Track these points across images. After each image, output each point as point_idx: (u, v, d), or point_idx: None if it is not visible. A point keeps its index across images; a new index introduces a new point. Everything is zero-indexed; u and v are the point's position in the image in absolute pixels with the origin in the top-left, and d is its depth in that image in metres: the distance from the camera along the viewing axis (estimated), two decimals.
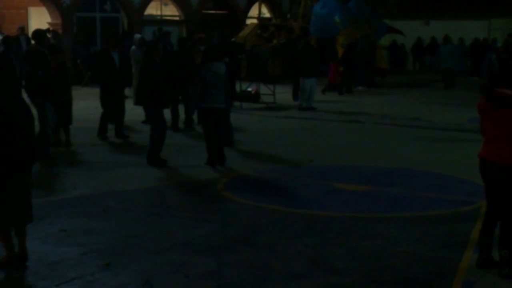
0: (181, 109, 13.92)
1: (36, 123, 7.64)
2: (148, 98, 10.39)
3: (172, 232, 7.05)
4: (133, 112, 13.99)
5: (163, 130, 10.53)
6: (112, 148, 12.07)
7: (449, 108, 17.75)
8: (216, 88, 10.05)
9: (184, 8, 28.09)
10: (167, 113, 11.39)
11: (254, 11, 30.27)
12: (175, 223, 7.42)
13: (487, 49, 25.16)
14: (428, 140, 12.97)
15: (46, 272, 5.88)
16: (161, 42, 15.52)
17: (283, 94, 19.56)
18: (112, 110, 12.64)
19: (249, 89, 19.07)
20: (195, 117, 13.12)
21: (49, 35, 18.24)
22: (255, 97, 18.82)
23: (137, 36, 16.83)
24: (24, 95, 10.56)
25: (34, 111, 7.35)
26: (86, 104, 17.20)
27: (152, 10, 28.15)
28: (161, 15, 29.07)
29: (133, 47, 16.10)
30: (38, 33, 11.26)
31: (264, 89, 19.04)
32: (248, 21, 29.96)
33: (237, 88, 17.96)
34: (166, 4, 28.93)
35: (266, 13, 31.83)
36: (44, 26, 21.42)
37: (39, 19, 25.23)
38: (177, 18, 28.72)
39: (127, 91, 15.08)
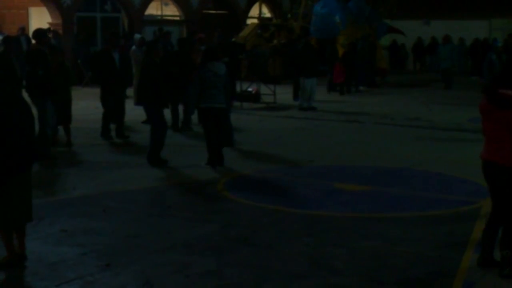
0: (181, 109, 13.92)
1: (36, 123, 7.63)
2: (148, 98, 10.39)
3: (172, 232, 7.05)
4: (134, 112, 13.99)
5: (163, 130, 10.53)
6: (112, 148, 12.07)
7: (449, 108, 17.74)
8: (215, 88, 10.05)
9: (184, 8, 28.09)
10: (167, 113, 11.39)
11: (254, 11, 30.28)
12: (175, 223, 7.42)
13: (488, 49, 25.13)
14: (428, 140, 12.97)
15: (46, 272, 5.88)
16: (161, 42, 15.50)
17: (284, 94, 19.55)
18: (113, 109, 12.64)
19: (250, 89, 19.07)
20: (195, 117, 13.13)
21: (49, 35, 18.24)
22: (255, 97, 18.82)
23: (137, 36, 16.82)
24: (25, 95, 10.61)
25: (34, 111, 7.37)
26: (86, 104, 17.22)
27: (152, 10, 28.16)
28: (161, 15, 29.08)
29: (133, 47, 16.10)
30: (39, 32, 11.26)
31: (264, 89, 19.03)
32: (249, 21, 29.97)
33: (238, 88, 17.96)
34: (166, 4, 28.94)
35: (266, 13, 31.84)
36: (44, 26, 21.38)
37: (40, 19, 25.24)
38: (178, 18, 28.72)
39: (128, 91, 15.09)
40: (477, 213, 7.77)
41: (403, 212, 7.88)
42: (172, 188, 9.17)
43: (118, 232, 7.07)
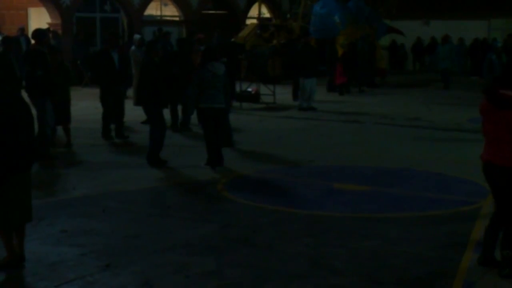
0: (180, 109, 13.91)
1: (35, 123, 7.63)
2: (147, 98, 10.38)
3: (172, 233, 7.04)
4: (133, 113, 13.98)
5: (163, 130, 10.52)
6: (112, 148, 12.07)
7: (449, 108, 17.74)
8: (214, 88, 10.05)
9: (184, 8, 28.10)
10: (166, 113, 11.38)
11: (254, 11, 30.29)
12: (175, 223, 7.42)
13: (487, 49, 25.15)
14: (428, 140, 12.97)
15: (46, 272, 5.88)
16: (160, 42, 15.51)
17: (283, 94, 19.55)
18: (113, 109, 12.63)
19: (249, 89, 19.07)
20: (194, 117, 13.12)
21: (49, 35, 18.25)
22: (255, 97, 18.82)
23: (137, 36, 16.82)
24: (24, 95, 10.60)
25: (33, 111, 7.35)
26: (86, 104, 17.21)
27: (152, 10, 28.17)
28: (161, 16, 29.09)
29: (133, 47, 16.09)
30: (39, 32, 11.25)
31: (264, 89, 19.03)
32: (248, 21, 29.97)
33: (237, 88, 17.96)
34: (166, 5, 28.94)
35: (266, 13, 31.84)
36: (44, 26, 21.40)
37: (39, 20, 25.25)
38: (177, 19, 28.73)
39: (128, 91, 15.09)
40: (477, 213, 7.77)
41: (403, 212, 7.88)
42: (172, 188, 9.17)
43: (118, 232, 7.06)
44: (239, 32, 26.56)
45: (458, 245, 6.63)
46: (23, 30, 23.15)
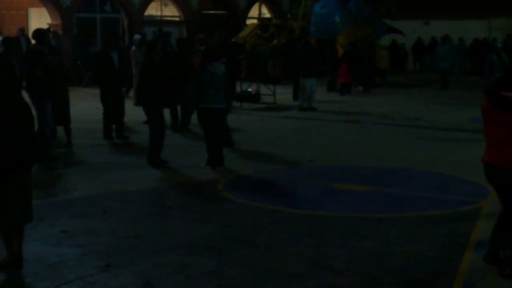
0: (179, 109, 13.91)
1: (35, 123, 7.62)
2: (147, 98, 10.38)
3: (172, 233, 7.04)
4: (134, 113, 13.98)
5: (162, 131, 10.51)
6: (112, 149, 12.07)
7: (449, 108, 17.74)
8: (214, 89, 10.05)
9: (184, 8, 28.10)
10: (166, 113, 11.38)
11: (254, 11, 30.29)
12: (175, 223, 7.42)
13: (487, 49, 25.15)
14: (429, 140, 12.96)
15: (46, 273, 5.88)
16: (160, 43, 15.50)
17: (283, 94, 19.56)
18: (113, 110, 12.64)
19: (249, 90, 19.07)
20: (194, 117, 13.11)
21: (50, 35, 18.25)
22: (255, 98, 18.82)
23: (137, 36, 16.82)
24: (25, 95, 10.59)
25: (33, 111, 7.36)
26: (86, 104, 17.23)
27: (152, 10, 28.17)
28: (161, 16, 29.09)
29: (133, 47, 16.09)
30: (39, 32, 11.25)
31: (264, 89, 19.04)
32: (248, 22, 29.98)
33: (238, 88, 17.96)
34: (166, 5, 28.94)
35: (266, 13, 31.84)
36: (44, 27, 21.41)
37: (39, 20, 25.25)
38: (177, 19, 28.73)
39: (131, 92, 15.10)
40: (477, 213, 7.77)
41: (403, 212, 7.88)
42: (172, 188, 9.17)
43: (118, 232, 7.06)
44: (240, 32, 26.58)
45: (459, 245, 6.63)
46: (23, 30, 23.16)
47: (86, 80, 22.29)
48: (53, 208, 7.98)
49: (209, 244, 6.69)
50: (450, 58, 23.43)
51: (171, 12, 29.11)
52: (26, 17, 26.37)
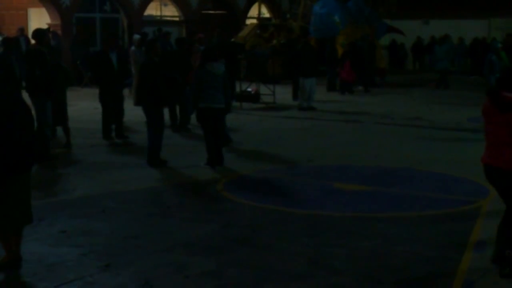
0: (178, 109, 13.91)
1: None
2: (147, 98, 10.36)
3: (172, 233, 7.04)
4: (133, 113, 13.98)
5: (161, 130, 10.51)
6: (112, 148, 12.06)
7: (449, 108, 17.74)
8: (213, 88, 10.05)
9: (183, 8, 28.10)
10: (166, 113, 11.37)
11: (253, 11, 30.30)
12: (175, 223, 7.42)
13: (487, 48, 25.15)
14: (428, 139, 12.96)
15: (46, 273, 5.87)
16: (160, 42, 15.52)
17: (283, 94, 19.56)
18: (112, 110, 12.63)
19: (249, 89, 19.07)
20: (193, 117, 13.10)
21: (49, 35, 18.24)
22: (255, 97, 18.82)
23: (136, 36, 16.83)
24: (25, 95, 10.59)
25: (33, 111, 7.37)
26: (86, 104, 17.22)
27: (151, 10, 28.17)
28: (160, 16, 29.09)
29: (133, 47, 16.11)
30: (39, 32, 11.25)
31: (264, 89, 19.04)
32: (248, 21, 29.99)
33: (237, 88, 17.96)
34: (165, 5, 28.95)
35: (265, 13, 31.85)
36: (43, 27, 21.39)
37: (39, 20, 25.25)
38: (177, 19, 28.73)
39: (128, 92, 15.09)
40: (477, 213, 7.77)
41: (403, 212, 7.87)
42: (172, 188, 9.17)
43: (118, 232, 7.06)
44: (239, 32, 26.57)
45: (458, 244, 6.62)
46: (22, 30, 23.16)
47: (86, 80, 22.29)
48: (53, 208, 7.97)
49: (208, 244, 6.69)
50: (448, 58, 23.41)
51: (170, 12, 29.11)
52: (25, 17, 26.37)
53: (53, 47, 14.69)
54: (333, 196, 8.69)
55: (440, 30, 29.14)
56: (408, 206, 8.16)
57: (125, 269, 5.96)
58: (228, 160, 10.47)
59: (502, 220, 5.96)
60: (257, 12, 28.66)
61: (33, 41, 11.79)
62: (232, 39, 23.34)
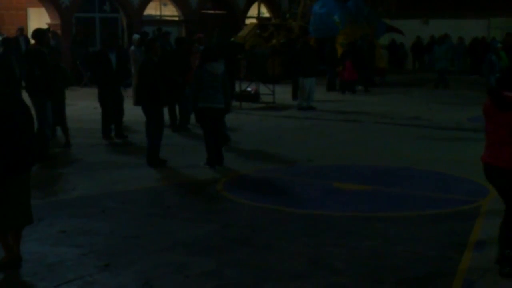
0: (177, 109, 13.91)
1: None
2: (146, 97, 10.35)
3: (172, 233, 7.04)
4: (133, 112, 13.97)
5: (161, 130, 10.50)
6: (111, 148, 12.06)
7: (448, 107, 17.74)
8: (212, 88, 10.05)
9: (183, 8, 28.10)
10: (165, 113, 11.37)
11: (253, 11, 30.31)
12: (175, 223, 7.41)
13: (486, 48, 25.16)
14: (428, 139, 12.96)
15: (45, 273, 5.87)
16: (159, 42, 15.53)
17: (283, 93, 19.55)
18: (111, 109, 12.63)
19: (249, 89, 19.07)
20: (192, 117, 13.10)
21: (49, 35, 18.24)
22: (254, 97, 18.82)
23: (136, 36, 16.82)
24: (25, 96, 10.59)
25: (33, 111, 7.36)
26: (85, 104, 17.22)
27: (151, 10, 28.17)
28: (160, 15, 29.09)
29: (132, 47, 16.10)
30: (39, 32, 11.25)
31: (263, 88, 19.04)
32: (247, 21, 29.98)
33: (237, 88, 17.96)
34: (165, 4, 28.95)
35: (265, 13, 31.85)
36: (43, 26, 21.38)
37: (38, 20, 25.24)
38: (176, 18, 28.73)
39: (128, 92, 15.08)
40: (477, 212, 7.77)
41: (403, 212, 7.87)
42: (172, 188, 9.16)
43: (118, 232, 7.06)
44: (239, 31, 26.57)
45: (458, 244, 6.62)
46: (22, 30, 23.16)
47: (85, 80, 22.28)
48: (52, 208, 7.97)
49: (208, 243, 6.68)
50: (447, 58, 23.40)
51: (170, 11, 29.11)
52: (25, 17, 26.36)
53: (53, 47, 14.68)
54: (333, 196, 8.69)
55: (439, 29, 29.13)
56: (408, 206, 8.15)
57: (125, 269, 5.96)
58: (227, 159, 10.47)
59: (502, 221, 5.96)
60: (257, 12, 28.67)
61: (32, 41, 11.78)
62: (232, 39, 23.33)
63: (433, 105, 18.10)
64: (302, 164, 10.65)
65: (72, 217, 7.61)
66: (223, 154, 10.44)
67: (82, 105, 17.15)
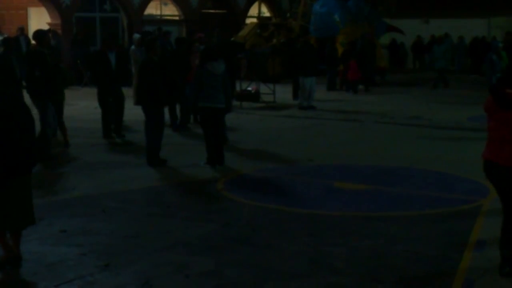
0: (177, 108, 13.91)
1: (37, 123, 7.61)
2: (146, 97, 10.36)
3: (172, 232, 7.04)
4: (133, 112, 13.98)
5: (161, 129, 10.50)
6: (112, 148, 12.07)
7: (448, 107, 17.74)
8: (213, 88, 10.05)
9: (183, 7, 28.10)
10: (166, 112, 11.37)
11: (253, 10, 30.31)
12: (175, 223, 7.41)
13: (487, 47, 25.16)
14: (428, 138, 12.95)
15: (46, 272, 5.87)
16: (160, 41, 15.54)
17: (283, 93, 19.56)
18: (111, 109, 12.63)
19: (249, 89, 19.07)
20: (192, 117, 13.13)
21: (50, 35, 18.25)
22: (255, 97, 18.82)
23: (137, 35, 16.82)
24: (26, 96, 10.61)
25: (35, 111, 7.36)
26: (86, 104, 17.23)
27: (151, 9, 28.18)
28: (160, 15, 29.09)
29: (133, 46, 16.09)
30: (39, 33, 11.26)
31: (264, 88, 19.04)
32: (248, 21, 29.99)
33: (237, 87, 17.96)
34: (165, 4, 28.95)
35: (265, 12, 31.85)
36: (43, 26, 21.42)
37: (39, 20, 25.25)
38: (177, 18, 28.74)
39: (128, 91, 15.03)
40: (477, 212, 7.77)
41: (403, 211, 7.87)
42: (172, 188, 9.17)
43: (118, 232, 7.06)
44: (239, 31, 26.57)
45: (458, 243, 6.62)
46: (22, 30, 23.16)
47: (86, 79, 22.29)
48: (53, 208, 7.98)
49: (208, 243, 6.69)
50: (446, 58, 23.39)
51: (170, 11, 29.12)
52: (25, 16, 26.37)
53: (53, 46, 14.69)
54: (333, 195, 8.69)
55: (440, 29, 29.14)
56: (408, 205, 8.15)
57: (125, 269, 5.96)
58: (228, 159, 10.47)
59: (503, 222, 5.96)
60: (257, 12, 28.67)
61: (33, 42, 11.79)
62: (232, 39, 23.33)
63: (433, 105, 18.09)
64: (302, 164, 10.65)
65: (72, 216, 7.61)
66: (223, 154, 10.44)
67: (82, 105, 17.15)
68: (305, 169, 10.36)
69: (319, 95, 18.90)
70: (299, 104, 17.47)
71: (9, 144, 5.71)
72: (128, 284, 5.63)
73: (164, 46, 16.83)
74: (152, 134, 10.37)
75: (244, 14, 30.63)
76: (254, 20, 28.76)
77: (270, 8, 31.61)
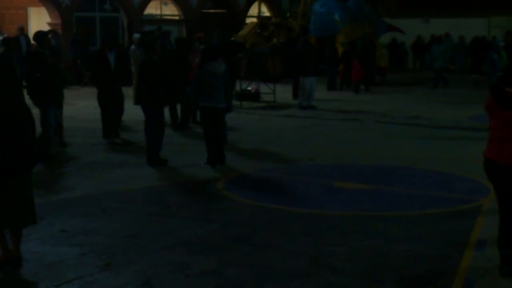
0: (178, 108, 13.90)
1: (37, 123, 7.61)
2: (146, 96, 10.35)
3: (172, 232, 7.04)
4: (133, 112, 13.97)
5: (162, 129, 10.50)
6: (112, 148, 12.06)
7: (449, 106, 17.74)
8: (213, 88, 10.05)
9: (183, 7, 28.09)
10: (166, 112, 11.37)
11: (253, 10, 30.30)
12: (175, 222, 7.41)
13: (487, 47, 25.15)
14: (428, 138, 12.95)
15: (46, 272, 5.87)
16: (160, 41, 15.53)
17: (283, 93, 19.55)
18: (110, 109, 12.63)
19: (249, 88, 19.07)
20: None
21: (49, 36, 18.24)
22: (255, 96, 18.82)
23: (137, 35, 16.82)
24: (27, 96, 10.60)
25: (36, 111, 7.35)
26: (85, 103, 17.22)
27: (151, 9, 28.18)
28: (160, 15, 29.09)
29: (133, 46, 16.09)
30: (40, 35, 11.26)
31: (264, 88, 19.04)
32: (248, 20, 29.99)
33: (237, 87, 17.95)
34: (165, 4, 28.95)
35: (265, 12, 31.84)
36: (43, 26, 21.44)
37: (39, 19, 25.26)
38: (177, 18, 28.73)
39: (128, 91, 15.02)
40: (478, 212, 7.76)
41: (403, 211, 7.87)
42: (172, 187, 9.16)
43: (118, 232, 7.06)
44: (239, 31, 26.57)
45: (458, 243, 6.62)
46: (22, 30, 23.16)
47: (86, 79, 22.29)
48: (53, 207, 7.97)
49: (209, 243, 6.68)
50: (445, 58, 23.38)
51: (170, 11, 29.12)
52: (25, 16, 26.37)
53: (53, 46, 14.67)
54: (333, 195, 8.69)
55: (440, 28, 29.11)
56: (408, 205, 8.15)
57: (125, 268, 5.96)
58: (228, 159, 10.47)
59: (499, 221, 5.96)
60: (257, 11, 28.66)
61: (33, 42, 11.80)
62: (232, 38, 23.34)
63: (433, 104, 18.09)
64: (302, 163, 10.65)
65: (73, 216, 7.61)
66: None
67: (82, 105, 17.15)
68: (305, 169, 10.36)
69: (319, 95, 18.89)
70: (299, 104, 17.46)
71: (9, 144, 5.71)
72: (128, 284, 5.63)
73: (164, 46, 16.83)
74: (152, 134, 10.36)
75: (244, 13, 30.62)
76: (254, 19, 28.76)
77: (270, 7, 31.61)
